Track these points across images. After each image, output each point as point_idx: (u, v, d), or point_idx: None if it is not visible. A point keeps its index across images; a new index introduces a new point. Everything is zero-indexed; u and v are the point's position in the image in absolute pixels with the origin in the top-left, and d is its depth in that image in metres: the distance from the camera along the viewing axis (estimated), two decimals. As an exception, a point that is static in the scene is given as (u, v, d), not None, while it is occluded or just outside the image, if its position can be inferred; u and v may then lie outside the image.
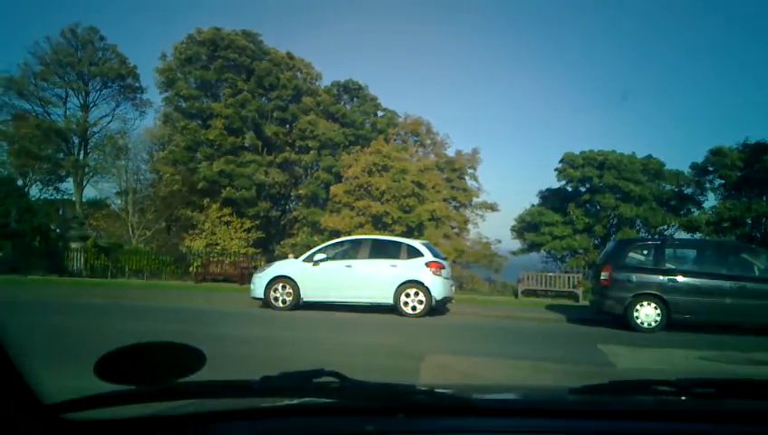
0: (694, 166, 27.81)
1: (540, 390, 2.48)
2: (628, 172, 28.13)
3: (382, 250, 14.73)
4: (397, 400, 1.49)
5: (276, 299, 14.26)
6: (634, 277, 12.96)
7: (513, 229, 31.07)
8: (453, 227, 29.94)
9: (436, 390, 1.62)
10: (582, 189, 29.82)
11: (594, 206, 29.14)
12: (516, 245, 31.23)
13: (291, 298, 14.23)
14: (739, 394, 1.64)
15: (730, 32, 77.13)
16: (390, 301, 14.10)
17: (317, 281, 14.17)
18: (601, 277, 13.32)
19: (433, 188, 28.22)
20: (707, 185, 28.03)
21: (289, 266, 14.74)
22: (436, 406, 1.50)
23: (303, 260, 14.57)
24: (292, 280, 14.25)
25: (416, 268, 14.25)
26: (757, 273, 12.91)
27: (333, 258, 14.62)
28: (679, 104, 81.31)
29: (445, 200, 29.59)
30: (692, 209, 28.51)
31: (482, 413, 1.54)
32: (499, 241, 31.01)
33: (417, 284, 14.12)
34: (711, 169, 27.25)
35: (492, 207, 31.70)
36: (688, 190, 28.82)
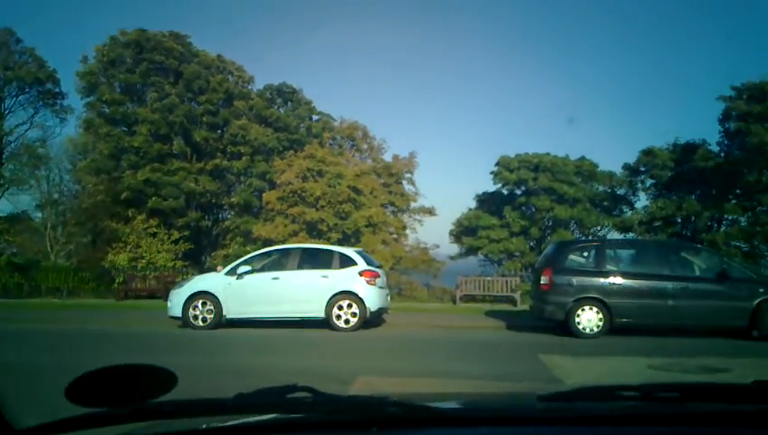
0: (626, 167, 27.77)
1: (509, 397, 2.38)
2: (562, 174, 27.88)
3: (312, 260, 13.56)
4: (369, 413, 1.48)
5: (196, 318, 12.90)
6: (575, 281, 12.24)
7: (451, 234, 30.50)
8: (391, 233, 29.01)
9: (409, 401, 1.61)
10: (518, 192, 29.47)
11: (530, 208, 28.77)
12: (455, 249, 30.69)
13: (212, 316, 12.88)
14: (702, 398, 1.65)
15: (657, 33, 79.27)
16: (322, 314, 12.95)
17: (241, 296, 12.88)
18: (541, 282, 12.55)
19: (370, 193, 27.20)
20: (639, 185, 28.02)
21: (209, 281, 13.39)
22: (408, 418, 1.50)
23: (225, 274, 13.23)
24: (214, 296, 12.92)
25: (349, 278, 13.15)
26: (698, 272, 12.40)
27: (259, 270, 13.36)
28: (611, 106, 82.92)
29: (382, 206, 28.62)
30: (624, 210, 28.46)
31: (453, 423, 1.56)
32: (437, 246, 30.27)
33: (350, 295, 13.02)
34: (642, 169, 27.24)
35: (430, 212, 30.95)
36: (621, 191, 28.77)
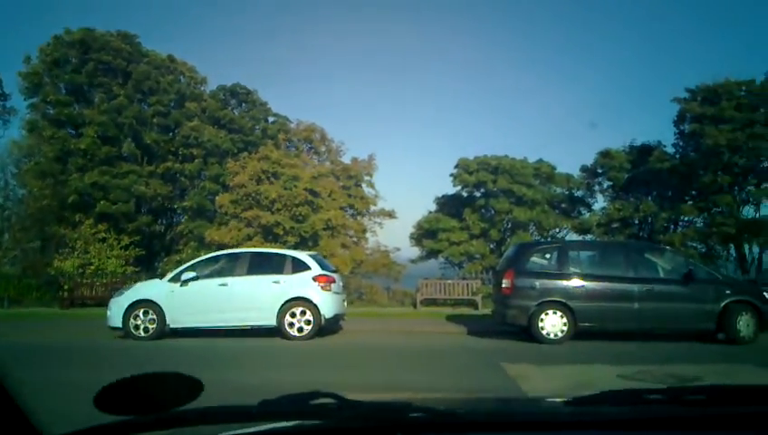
0: (584, 169, 27.52)
1: (535, 402, 2.20)
2: (520, 176, 27.51)
3: (263, 265, 12.63)
4: (394, 418, 1.47)
5: (137, 328, 11.85)
6: (537, 284, 11.62)
7: (411, 237, 29.91)
8: (350, 237, 28.16)
9: (433, 406, 1.57)
10: (477, 194, 29.02)
11: (489, 210, 28.33)
12: (416, 252, 30.13)
13: (154, 326, 11.85)
14: (729, 400, 1.62)
15: (615, 35, 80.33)
16: (273, 323, 12.04)
17: (185, 304, 11.87)
18: (503, 285, 11.88)
19: (329, 196, 26.31)
20: (597, 187, 27.80)
21: (151, 289, 12.34)
22: (432, 423, 1.47)
23: (169, 280, 12.20)
24: (156, 304, 11.87)
25: (302, 284, 12.28)
26: (663, 274, 11.90)
27: (206, 276, 12.36)
28: (569, 108, 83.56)
29: (341, 209, 27.75)
30: (582, 212, 28.22)
31: (479, 428, 1.52)
32: (398, 249, 29.55)
33: (303, 301, 12.15)
34: (600, 171, 27.02)
35: (390, 215, 30.18)
36: (579, 193, 28.54)
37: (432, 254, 28.95)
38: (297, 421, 1.47)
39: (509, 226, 28.31)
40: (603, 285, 11.55)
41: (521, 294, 11.58)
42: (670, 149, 25.17)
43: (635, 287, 11.38)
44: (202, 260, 13.08)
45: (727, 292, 11.32)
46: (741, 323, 11.07)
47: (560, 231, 28.05)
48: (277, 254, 13.45)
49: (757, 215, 22.98)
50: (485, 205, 28.08)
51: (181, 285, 11.97)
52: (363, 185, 29.85)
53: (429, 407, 1.53)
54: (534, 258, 12.14)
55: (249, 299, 12.03)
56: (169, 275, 12.42)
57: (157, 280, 13.03)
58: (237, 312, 11.94)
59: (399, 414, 1.47)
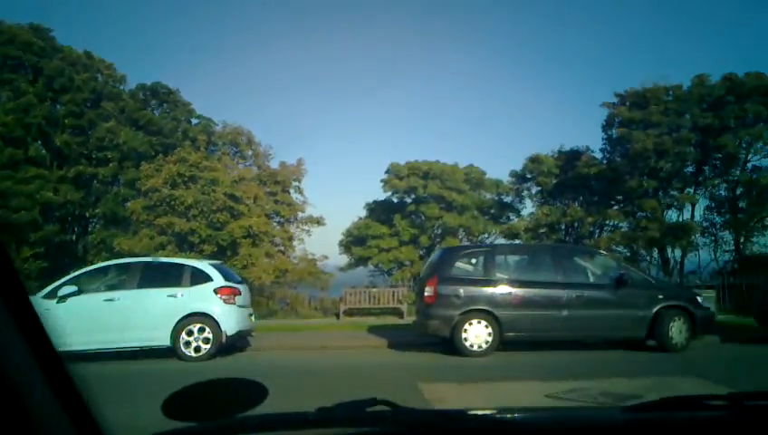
0: (513, 174, 26.90)
1: (594, 410, 2.23)
2: (451, 182, 26.76)
3: (157, 276, 10.96)
4: (449, 426, 1.44)
5: (2, 351, 9.92)
6: (462, 291, 10.45)
7: (340, 244, 28.70)
8: (276, 245, 26.50)
9: (489, 415, 1.57)
10: (408, 200, 28.12)
11: (419, 216, 27.45)
12: (345, 260, 28.91)
13: (23, 349, 9.95)
14: None
15: (545, 39, 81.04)
16: (167, 342, 10.38)
17: (61, 324, 10.02)
18: (425, 293, 10.67)
19: (254, 202, 24.61)
20: (526, 192, 27.22)
21: (20, 306, 10.43)
22: (487, 431, 1.45)
23: (43, 297, 10.31)
24: (24, 324, 9.99)
25: (202, 297, 10.70)
26: (593, 278, 10.94)
27: (91, 291, 10.60)
28: (500, 113, 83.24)
29: (267, 216, 26.08)
30: (512, 217, 27.59)
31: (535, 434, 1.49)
32: (326, 257, 28.06)
33: (202, 317, 10.57)
34: (529, 176, 26.43)
35: (318, 222, 28.61)
36: (508, 199, 27.91)
37: (361, 261, 27.88)
38: (354, 428, 1.42)
39: (439, 232, 27.47)
40: (531, 292, 10.51)
41: (444, 302, 10.40)
42: (598, 154, 24.80)
43: (564, 293, 10.38)
44: (86, 272, 11.30)
45: (659, 296, 10.45)
46: (673, 329, 10.20)
47: (489, 236, 27.44)
48: (174, 264, 11.74)
49: (680, 219, 22.74)
50: (416, 210, 27.26)
51: (58, 302, 10.13)
52: (291, 190, 28.30)
53: (484, 414, 1.52)
54: (460, 264, 10.99)
55: (139, 316, 10.35)
56: (44, 291, 10.55)
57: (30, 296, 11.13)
58: (125, 331, 10.22)
59: (454, 422, 1.43)
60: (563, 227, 25.47)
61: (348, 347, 12.08)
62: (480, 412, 1.51)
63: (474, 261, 11.02)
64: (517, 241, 25.43)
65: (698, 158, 21.92)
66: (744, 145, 21.32)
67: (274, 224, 26.84)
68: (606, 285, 10.51)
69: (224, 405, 1.43)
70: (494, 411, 1.63)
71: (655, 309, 10.25)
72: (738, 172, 21.81)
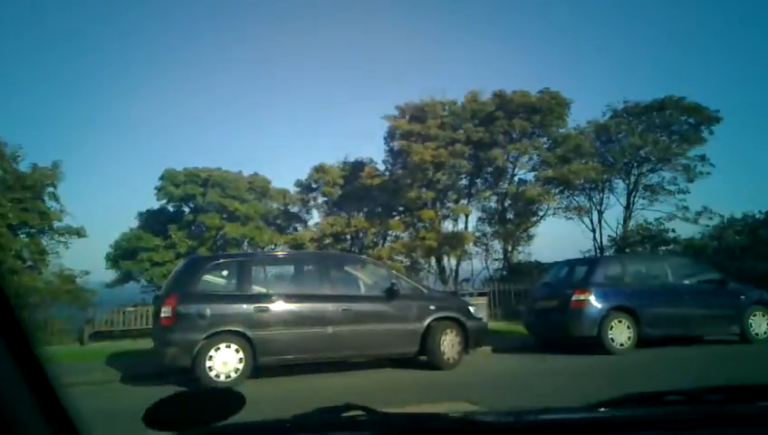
0: (299, 183, 25.37)
1: (559, 408, 1.92)
2: (233, 190, 24.56)
3: None
4: (424, 429, 1.44)
5: None
6: (208, 310, 8.33)
7: (107, 257, 24.78)
8: (23, 260, 21.79)
9: (458, 415, 1.54)
10: (186, 209, 25.22)
11: (199, 226, 24.67)
12: (113, 275, 25.03)
13: None
14: (747, 398, 1.61)
15: (327, 50, 79.60)
16: None
17: None
18: (162, 314, 8.33)
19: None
20: (312, 202, 25.81)
21: None
22: (460, 431, 1.45)
23: None
24: None
25: None
26: (364, 290, 9.50)
27: None
28: (287, 120, 78.28)
29: (9, 227, 21.28)
30: (298, 228, 26.00)
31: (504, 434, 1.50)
32: (87, 272, 23.83)
33: None
34: (314, 186, 25.08)
35: (78, 233, 24.28)
36: (295, 208, 26.30)
37: (131, 276, 24.35)
38: (331, 433, 1.45)
39: (220, 243, 24.92)
40: (293, 308, 8.78)
41: (185, 325, 8.21)
42: (381, 166, 24.24)
43: (330, 307, 8.75)
44: None
45: (431, 307, 9.30)
46: (445, 343, 9.09)
47: (274, 247, 25.52)
48: None
49: (456, 229, 22.96)
50: (194, 220, 24.48)
51: None
52: (45, 198, 23.61)
53: (457, 417, 1.50)
54: (208, 277, 8.85)
55: None
56: None
57: None
58: None
59: (429, 425, 1.44)
60: (349, 237, 24.52)
61: (68, 385, 9.17)
62: (451, 415, 1.47)
63: (225, 273, 8.96)
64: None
65: (472, 171, 22.31)
66: (512, 159, 22.11)
67: (22, 235, 22.18)
68: (376, 297, 9.13)
69: (203, 414, 1.39)
70: (466, 414, 1.62)
71: (426, 321, 9.09)
72: (506, 185, 22.58)
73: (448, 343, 9.09)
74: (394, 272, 10.06)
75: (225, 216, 24.40)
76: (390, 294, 9.00)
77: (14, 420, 0.96)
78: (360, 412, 1.42)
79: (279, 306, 8.61)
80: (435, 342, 8.98)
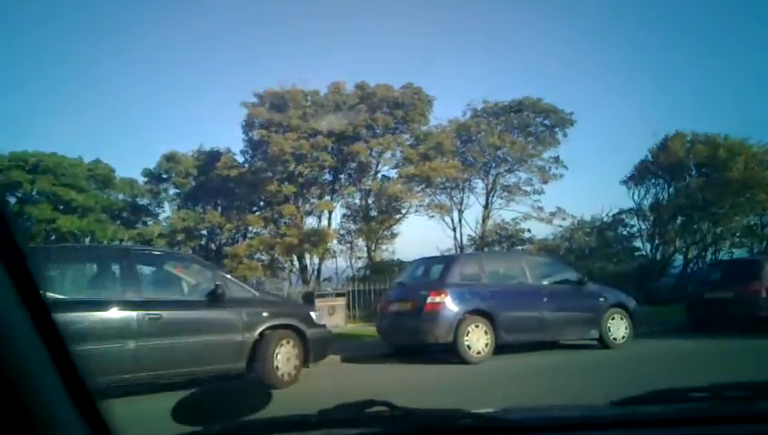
0: (147, 173, 22.57)
1: (582, 406, 1.97)
2: (70, 178, 21.40)
3: None
4: (446, 425, 1.44)
5: None
6: None
7: None
8: None
9: (482, 412, 1.53)
10: (11, 199, 21.55)
11: (29, 219, 21.14)
12: None
13: None
14: None
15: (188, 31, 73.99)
16: None
17: None
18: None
19: None
20: (163, 194, 23.11)
21: None
22: (483, 428, 1.42)
23: None
24: None
25: None
26: (187, 293, 7.76)
27: None
28: (134, 103, 67.43)
29: None
30: (148, 222, 23.20)
31: (528, 431, 1.46)
32: None
33: None
34: (165, 176, 22.46)
35: None
36: (144, 201, 23.45)
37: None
38: (354, 429, 1.44)
39: (53, 238, 21.55)
40: (94, 317, 6.78)
41: None
42: (240, 157, 22.14)
43: (135, 317, 6.89)
44: None
45: (264, 314, 7.74)
46: (279, 356, 7.58)
47: (120, 243, 22.54)
48: None
49: (319, 226, 21.54)
50: (20, 212, 20.87)
51: None
52: None
53: (479, 413, 1.50)
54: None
55: None
56: None
57: None
58: None
59: (451, 421, 1.44)
60: (204, 233, 22.23)
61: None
62: (476, 411, 1.48)
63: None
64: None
65: (335, 165, 20.98)
66: (375, 155, 21.08)
67: None
68: (195, 303, 7.43)
69: (229, 410, 1.41)
70: (491, 410, 1.62)
71: (258, 331, 7.52)
72: (370, 181, 21.53)
73: (283, 356, 7.58)
74: (220, 272, 8.34)
75: (60, 207, 21.17)
76: (213, 298, 7.31)
77: (51, 420, 0.91)
78: (383, 408, 1.39)
79: (77, 315, 6.60)
80: (266, 355, 7.44)
